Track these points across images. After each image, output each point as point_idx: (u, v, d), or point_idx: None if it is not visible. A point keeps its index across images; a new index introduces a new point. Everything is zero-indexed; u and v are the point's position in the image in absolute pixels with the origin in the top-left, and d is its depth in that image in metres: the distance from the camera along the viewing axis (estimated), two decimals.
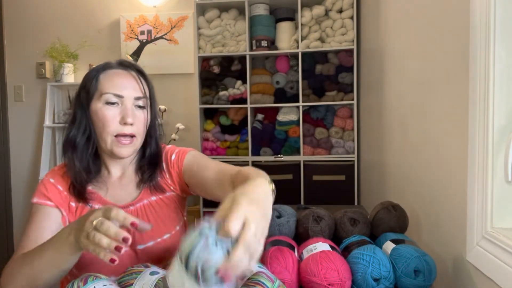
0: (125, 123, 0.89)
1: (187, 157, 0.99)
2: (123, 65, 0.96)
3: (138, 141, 0.94)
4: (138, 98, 0.93)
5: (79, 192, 0.91)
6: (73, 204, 0.92)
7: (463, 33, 0.85)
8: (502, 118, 0.75)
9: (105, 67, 0.94)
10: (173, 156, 1.01)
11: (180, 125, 2.67)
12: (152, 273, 0.66)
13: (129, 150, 0.92)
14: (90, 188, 0.94)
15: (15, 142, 2.98)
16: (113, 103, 0.90)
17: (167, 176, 1.01)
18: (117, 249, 0.61)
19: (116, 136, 0.90)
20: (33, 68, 2.91)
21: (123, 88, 0.91)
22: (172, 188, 1.00)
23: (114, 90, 0.90)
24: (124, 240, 0.61)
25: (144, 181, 0.99)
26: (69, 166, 0.93)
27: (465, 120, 0.83)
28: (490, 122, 0.75)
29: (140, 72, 0.96)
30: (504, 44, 0.74)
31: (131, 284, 0.63)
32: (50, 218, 0.89)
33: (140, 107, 0.94)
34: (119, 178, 0.99)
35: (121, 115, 0.90)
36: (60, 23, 2.88)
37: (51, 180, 0.93)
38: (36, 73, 2.91)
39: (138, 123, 0.92)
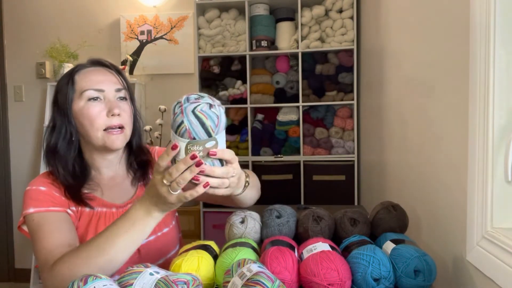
0: (112, 115, 0.90)
1: None
2: (96, 62, 0.97)
3: (128, 132, 0.94)
4: (118, 90, 0.94)
5: (75, 196, 0.90)
6: (73, 208, 0.91)
7: (463, 33, 0.85)
8: (502, 118, 0.75)
9: (78, 68, 0.95)
10: None
11: None
12: (152, 273, 0.66)
13: (121, 141, 0.92)
14: (85, 191, 0.93)
15: (15, 142, 2.98)
16: (95, 99, 0.90)
17: None
18: (198, 165, 0.65)
19: (106, 129, 0.90)
20: (33, 68, 2.91)
21: (101, 82, 0.92)
22: None
23: (93, 85, 0.91)
24: (192, 157, 0.65)
25: (137, 178, 1.00)
26: (56, 175, 0.92)
27: (465, 120, 0.83)
28: (490, 122, 0.75)
29: (114, 67, 0.98)
30: (504, 44, 0.74)
31: (131, 284, 0.63)
32: (67, 220, 0.87)
33: (122, 98, 0.94)
34: (112, 178, 0.98)
35: (107, 108, 0.90)
36: (60, 23, 2.88)
37: (42, 188, 0.90)
38: (36, 73, 2.91)
39: (124, 114, 0.93)
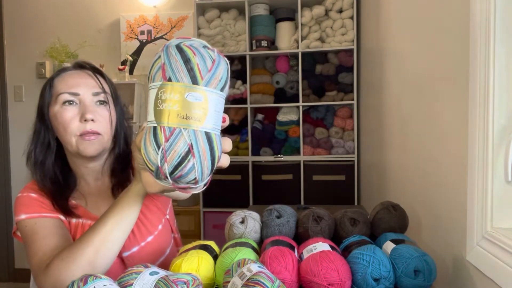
0: (85, 120, 0.85)
1: None
2: (78, 66, 0.93)
3: (105, 139, 0.88)
4: (96, 94, 0.88)
5: (62, 206, 0.88)
6: (63, 217, 0.88)
7: (463, 33, 0.85)
8: (502, 118, 0.75)
9: (60, 71, 0.91)
10: None
11: None
12: (152, 273, 0.66)
13: (95, 147, 0.86)
14: (73, 202, 0.90)
15: (15, 142, 2.98)
16: (70, 103, 0.86)
17: None
18: None
19: (80, 135, 0.85)
20: (33, 68, 2.91)
21: (77, 86, 0.87)
22: None
23: (68, 89, 0.86)
24: None
25: (116, 186, 0.94)
26: (38, 182, 0.89)
27: (465, 120, 0.83)
28: (490, 122, 0.75)
29: (97, 70, 0.93)
30: (504, 43, 0.74)
31: (131, 284, 0.63)
32: (60, 226, 0.85)
33: (101, 102, 0.89)
34: (98, 188, 0.94)
35: (80, 113, 0.86)
36: (60, 23, 2.88)
37: (33, 195, 0.88)
38: (36, 73, 2.91)
39: (101, 119, 0.87)
